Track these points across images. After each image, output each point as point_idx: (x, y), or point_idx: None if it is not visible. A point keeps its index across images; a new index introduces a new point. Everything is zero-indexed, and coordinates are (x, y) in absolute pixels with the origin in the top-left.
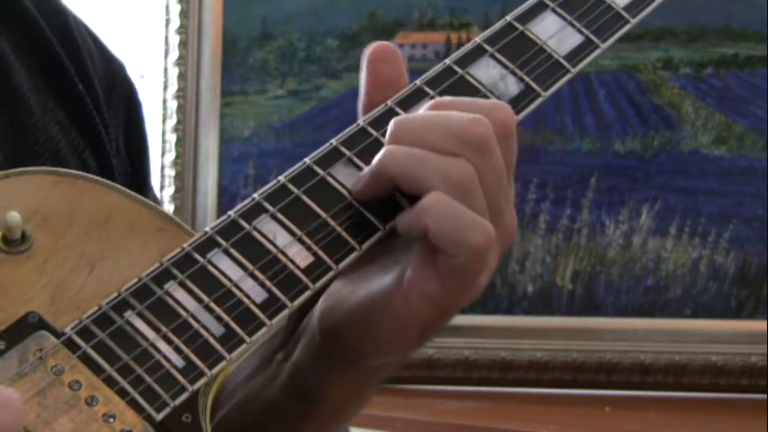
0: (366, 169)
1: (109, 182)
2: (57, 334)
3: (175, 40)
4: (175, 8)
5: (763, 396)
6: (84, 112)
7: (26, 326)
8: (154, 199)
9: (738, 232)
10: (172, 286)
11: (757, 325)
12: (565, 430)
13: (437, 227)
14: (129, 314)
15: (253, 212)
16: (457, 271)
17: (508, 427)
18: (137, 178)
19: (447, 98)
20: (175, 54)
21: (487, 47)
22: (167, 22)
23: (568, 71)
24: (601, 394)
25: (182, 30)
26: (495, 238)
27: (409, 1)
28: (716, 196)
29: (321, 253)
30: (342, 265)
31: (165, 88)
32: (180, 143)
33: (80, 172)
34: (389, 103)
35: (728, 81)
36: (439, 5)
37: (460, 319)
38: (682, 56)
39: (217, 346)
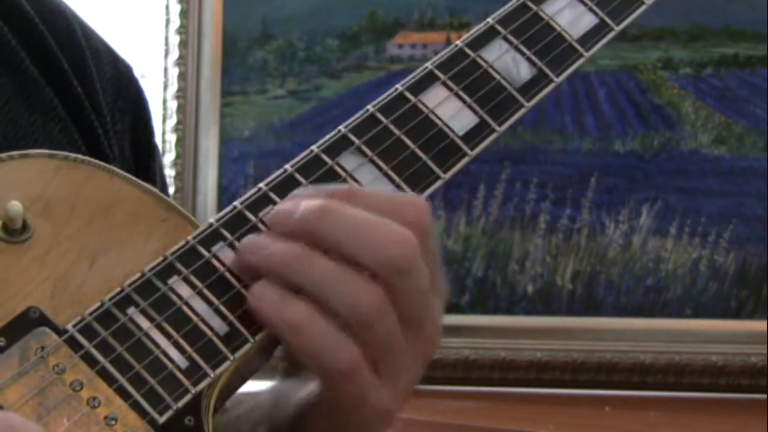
0: (260, 255)
1: (111, 167)
2: (59, 332)
3: (175, 40)
4: (175, 8)
5: (763, 396)
6: (83, 115)
7: (27, 322)
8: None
9: (738, 232)
10: (176, 282)
11: (757, 325)
12: (565, 430)
13: (298, 346)
14: (132, 311)
15: (258, 204)
16: (331, 394)
17: (508, 427)
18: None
19: (363, 193)
20: (175, 54)
21: (500, 29)
22: (167, 22)
23: (581, 56)
24: (601, 394)
25: (182, 30)
26: (361, 361)
27: (409, 1)
28: (716, 196)
29: None
30: None
31: (165, 88)
32: (180, 143)
33: (82, 156)
34: (399, 87)
35: (728, 81)
36: (439, 5)
37: (460, 319)
38: (682, 56)
39: (221, 345)
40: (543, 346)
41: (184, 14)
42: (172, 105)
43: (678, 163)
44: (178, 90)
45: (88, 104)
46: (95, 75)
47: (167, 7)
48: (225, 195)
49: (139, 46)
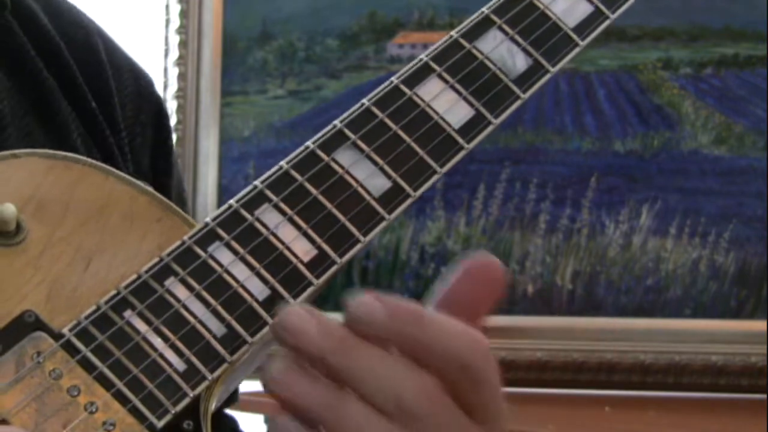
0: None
1: (105, 166)
2: (55, 336)
3: (175, 40)
4: (175, 8)
5: (763, 396)
6: (96, 130)
7: (22, 326)
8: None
9: (738, 232)
10: (172, 283)
11: (757, 325)
12: (565, 430)
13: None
14: (129, 314)
15: (254, 201)
16: None
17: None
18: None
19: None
20: (175, 54)
21: (495, 19)
22: (167, 22)
23: (577, 45)
24: (601, 394)
25: (182, 30)
26: None
27: (409, 1)
28: (716, 196)
29: (324, 246)
30: (345, 258)
31: (165, 88)
32: (180, 143)
33: (75, 155)
34: (394, 80)
35: (728, 81)
36: (439, 5)
37: None
38: (682, 56)
39: (219, 347)
40: (543, 346)
41: (184, 14)
42: (172, 105)
43: (678, 163)
44: (178, 90)
45: (102, 119)
46: (113, 90)
47: (167, 7)
48: (225, 195)
49: (139, 46)
